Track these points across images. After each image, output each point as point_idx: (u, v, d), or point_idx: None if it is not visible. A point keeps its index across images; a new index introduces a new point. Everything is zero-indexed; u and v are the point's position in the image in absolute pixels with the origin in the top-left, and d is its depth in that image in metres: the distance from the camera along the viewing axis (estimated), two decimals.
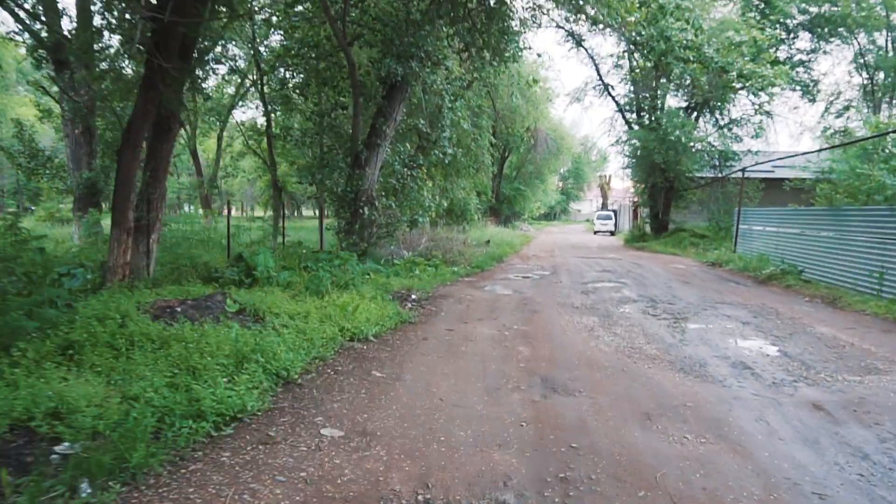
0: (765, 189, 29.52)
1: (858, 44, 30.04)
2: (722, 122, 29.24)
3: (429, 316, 10.29)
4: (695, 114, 30.12)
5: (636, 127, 30.99)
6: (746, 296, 13.60)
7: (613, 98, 33.61)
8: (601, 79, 33.60)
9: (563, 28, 31.94)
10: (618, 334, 9.25)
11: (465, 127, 20.98)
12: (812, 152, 22.94)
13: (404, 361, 7.28)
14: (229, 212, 14.18)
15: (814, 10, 29.47)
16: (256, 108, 32.13)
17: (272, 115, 18.45)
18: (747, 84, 19.12)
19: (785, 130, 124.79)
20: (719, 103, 29.14)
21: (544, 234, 51.43)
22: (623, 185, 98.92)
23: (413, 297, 11.87)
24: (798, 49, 31.17)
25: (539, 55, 42.51)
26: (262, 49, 17.57)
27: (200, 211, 38.38)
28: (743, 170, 23.02)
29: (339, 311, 8.51)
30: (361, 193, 15.23)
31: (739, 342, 8.98)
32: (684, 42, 17.21)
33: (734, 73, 18.95)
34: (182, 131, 35.57)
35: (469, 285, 14.67)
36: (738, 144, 29.39)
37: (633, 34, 17.79)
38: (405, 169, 16.52)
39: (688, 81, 22.32)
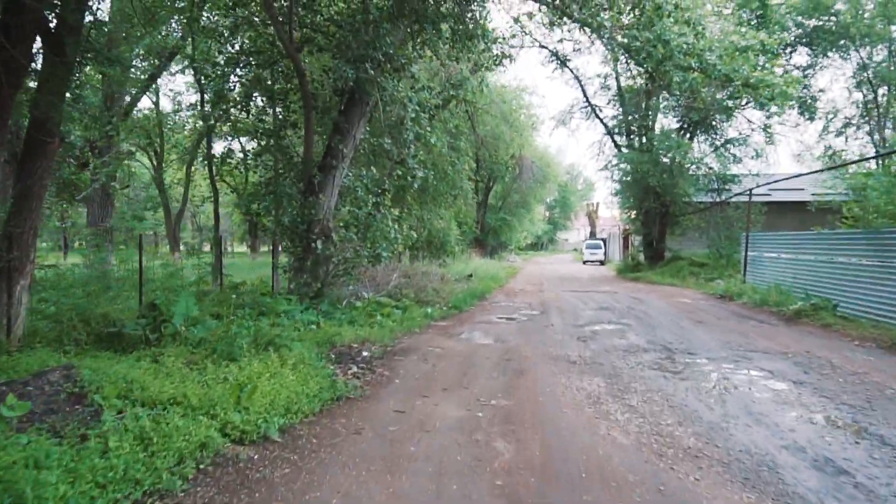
0: (766, 213, 27.16)
1: (861, 57, 27.95)
2: (718, 143, 26.94)
3: (378, 385, 7.55)
4: (688, 135, 27.84)
5: (626, 150, 28.65)
6: (780, 340, 10.97)
7: (601, 120, 31.37)
8: (588, 100, 31.40)
9: (545, 48, 29.76)
10: (635, 408, 6.57)
11: (440, 149, 18.51)
12: (825, 170, 20.60)
13: (310, 486, 4.54)
14: (141, 247, 11.50)
15: (811, 22, 27.43)
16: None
17: (212, 132, 15.84)
18: (755, 93, 16.86)
19: (785, 150, 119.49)
20: (720, 119, 26.91)
21: (532, 264, 48.90)
22: (610, 213, 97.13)
23: (364, 354, 9.14)
24: (795, 65, 29.08)
25: (521, 88, 40.19)
26: (196, 54, 15.02)
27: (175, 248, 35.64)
28: (750, 191, 20.62)
29: (230, 392, 5.74)
30: (315, 224, 12.61)
31: (805, 417, 6.32)
32: (684, 47, 14.79)
33: (739, 83, 16.61)
34: (148, 163, 33.01)
35: (442, 332, 11.99)
36: (737, 166, 27.09)
37: (627, 39, 15.43)
38: (369, 196, 13.91)
39: (685, 95, 19.93)
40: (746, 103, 22.44)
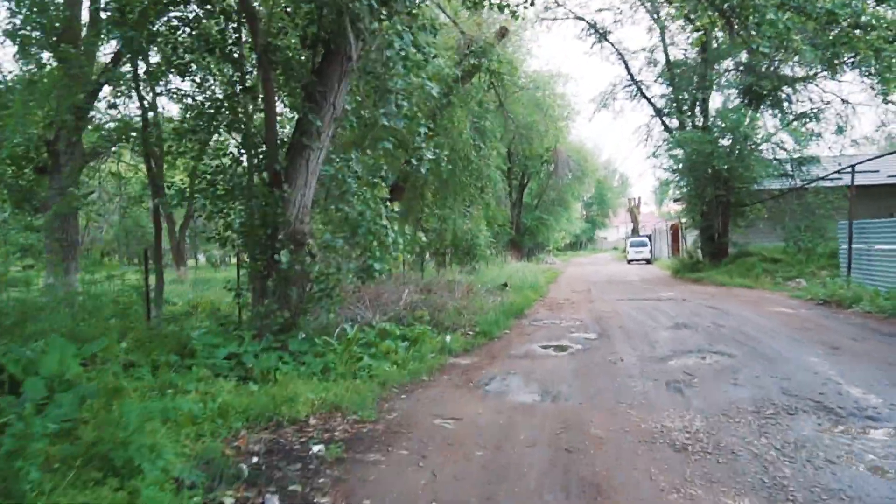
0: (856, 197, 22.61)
1: None
2: (791, 117, 22.47)
3: None
4: (750, 110, 23.40)
5: (678, 132, 24.31)
6: None
7: (648, 100, 27.13)
8: (632, 77, 27.20)
9: (582, 19, 25.69)
10: None
11: (461, 130, 14.62)
12: None
13: None
14: (146, 263, 7.93)
15: None
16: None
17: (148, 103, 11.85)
18: (864, 42, 12.66)
19: (865, 124, 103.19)
20: (790, 92, 22.50)
21: (573, 266, 44.62)
22: (649, 210, 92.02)
23: (315, 450, 5.18)
24: None
25: (555, 74, 36.02)
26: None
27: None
28: (853, 167, 16.22)
29: None
30: (282, 228, 8.79)
31: None
32: None
33: (846, 23, 12.42)
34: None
35: (461, 379, 8.04)
36: (815, 145, 22.60)
37: None
38: (364, 188, 9.98)
39: (768, 46, 15.40)
40: (853, 55, 17.89)
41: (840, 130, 22.37)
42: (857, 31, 13.03)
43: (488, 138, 15.46)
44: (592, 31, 26.09)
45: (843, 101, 23.25)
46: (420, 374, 8.17)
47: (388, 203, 9.62)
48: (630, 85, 27.23)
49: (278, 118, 10.15)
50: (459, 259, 20.03)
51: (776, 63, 22.65)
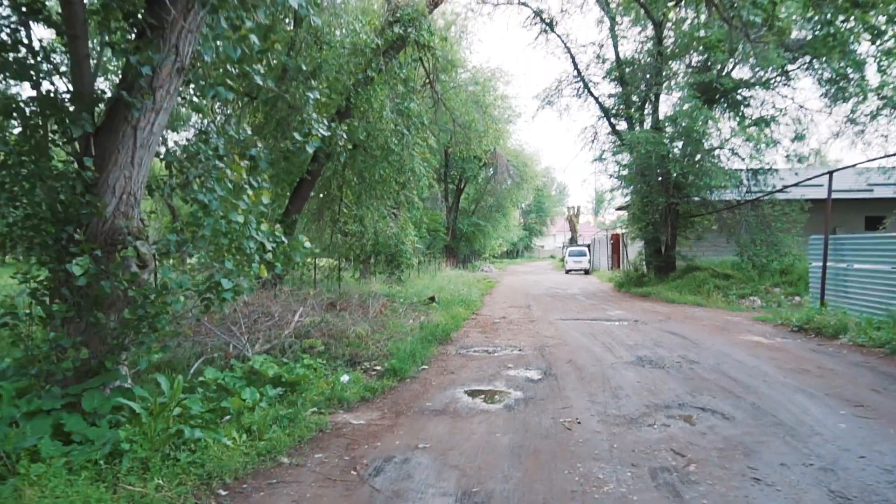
0: (811, 210, 20.84)
1: None
2: (748, 121, 20.49)
3: None
4: (706, 110, 21.33)
5: (629, 132, 22.08)
6: None
7: (596, 98, 24.84)
8: (579, 73, 24.83)
9: (526, 5, 23.25)
10: None
11: (378, 109, 11.81)
12: None
13: None
14: None
15: None
16: None
17: None
18: (864, 15, 10.52)
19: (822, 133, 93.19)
20: (748, 94, 20.56)
21: (510, 274, 42.27)
22: (586, 220, 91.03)
23: None
24: None
25: (495, 74, 33.45)
26: None
27: None
28: (830, 173, 14.10)
29: None
30: (96, 225, 5.77)
31: None
32: None
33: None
34: None
35: (337, 465, 5.17)
36: (771, 154, 20.71)
37: None
38: (224, 169, 6.97)
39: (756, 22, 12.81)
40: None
41: (800, 137, 20.53)
42: (856, 11, 10.88)
43: (414, 125, 12.73)
44: (538, 19, 23.67)
45: (801, 106, 21.49)
46: (278, 453, 5.28)
47: (252, 191, 6.63)
48: (577, 81, 24.92)
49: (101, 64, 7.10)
50: (382, 268, 17.17)
51: (733, 63, 20.70)
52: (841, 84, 20.90)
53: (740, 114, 20.64)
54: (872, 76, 21.19)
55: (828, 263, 13.47)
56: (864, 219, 27.70)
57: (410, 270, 19.61)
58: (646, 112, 22.98)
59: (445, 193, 43.85)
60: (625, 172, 22.84)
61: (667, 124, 21.14)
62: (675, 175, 20.19)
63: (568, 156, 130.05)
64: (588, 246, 48.37)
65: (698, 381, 7.92)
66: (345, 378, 7.89)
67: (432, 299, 16.47)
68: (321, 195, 16.15)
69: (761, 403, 6.77)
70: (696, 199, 21.93)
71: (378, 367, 8.68)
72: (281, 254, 6.85)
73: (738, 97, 21.52)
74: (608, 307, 18.06)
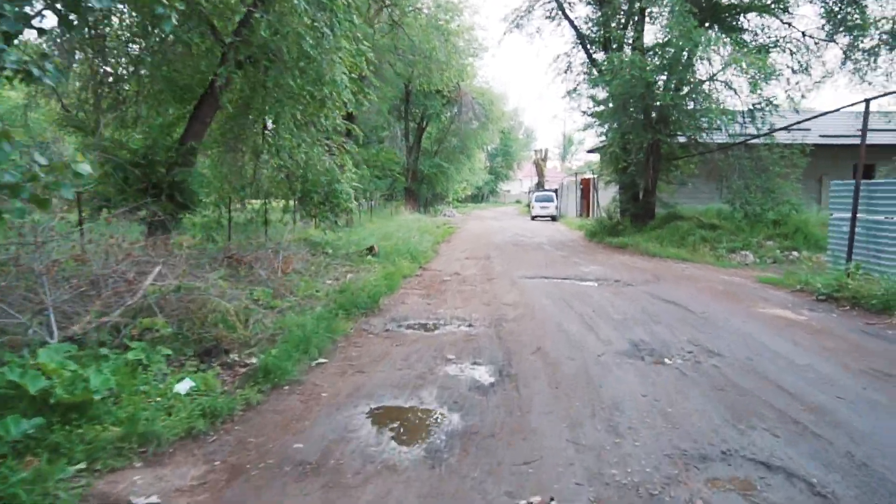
0: (813, 154, 18.13)
1: None
2: (746, 49, 17.37)
3: None
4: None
5: (611, 54, 18.82)
6: None
7: (571, 21, 21.46)
8: None
9: None
10: None
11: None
12: None
13: None
14: None
15: None
16: None
17: None
18: None
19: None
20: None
21: (473, 220, 39.25)
22: (553, 165, 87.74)
23: None
24: None
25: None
26: None
27: None
28: (867, 101, 11.15)
29: None
30: None
31: None
32: None
33: None
34: None
35: None
36: (772, 85, 17.73)
37: None
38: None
39: None
40: None
41: (804, 69, 17.62)
42: None
43: (340, 24, 9.40)
44: None
45: (804, 34, 18.49)
46: None
47: None
48: (550, 0, 21.44)
49: None
50: (309, 211, 13.95)
51: None
52: (841, 14, 18.05)
53: (737, 39, 17.52)
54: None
55: (857, 215, 10.69)
56: (852, 167, 25.16)
57: (352, 215, 16.42)
58: (627, 37, 19.68)
59: (406, 132, 40.31)
60: (600, 108, 19.77)
61: (653, 53, 17.96)
62: (661, 106, 17.16)
63: (538, 90, 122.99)
64: (555, 191, 45.44)
65: (735, 394, 5.06)
66: (182, 386, 4.88)
67: (371, 250, 13.40)
68: (239, 120, 12.78)
69: (861, 451, 3.94)
70: (683, 138, 19.02)
71: (246, 363, 5.67)
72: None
73: (733, 22, 18.44)
74: (581, 261, 15.20)
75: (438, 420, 4.55)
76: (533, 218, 40.32)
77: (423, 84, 30.79)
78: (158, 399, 4.64)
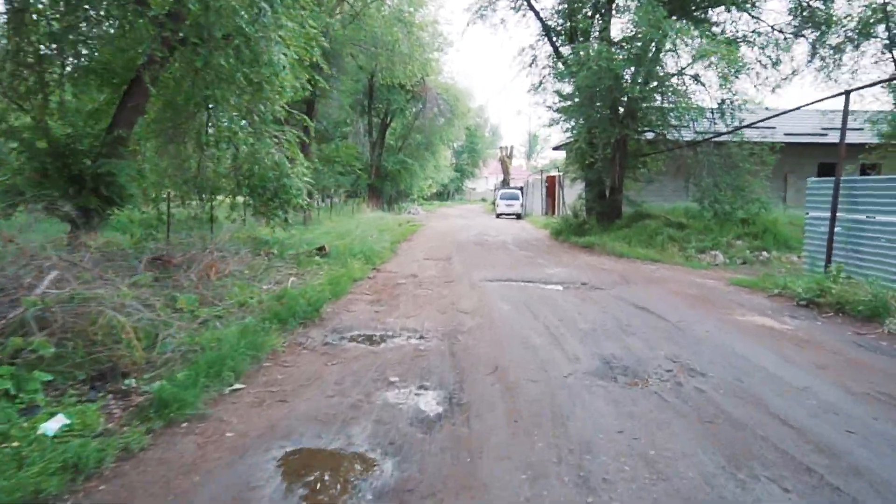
0: (782, 151, 17.62)
1: None
2: (716, 39, 16.71)
3: None
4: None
5: (578, 45, 18.01)
6: None
7: (537, 13, 20.63)
8: None
9: None
10: None
11: None
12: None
13: None
14: None
15: None
16: None
17: None
18: None
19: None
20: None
21: (438, 218, 38.26)
22: (518, 164, 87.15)
23: None
24: None
25: None
26: None
27: None
28: (847, 93, 10.44)
29: None
30: None
31: None
32: None
33: None
34: None
35: None
36: (741, 80, 17.06)
37: None
38: None
39: None
40: None
41: (775, 64, 17.05)
42: None
43: (282, 0, 8.35)
44: None
45: (773, 28, 17.94)
46: None
47: None
48: None
49: None
50: (257, 208, 12.86)
51: None
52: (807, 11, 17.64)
53: (705, 32, 16.88)
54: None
55: (837, 214, 10.04)
56: (816, 165, 24.95)
57: (310, 211, 15.33)
58: (594, 28, 18.90)
59: (369, 127, 39.16)
60: (567, 103, 19.00)
61: (621, 46, 17.20)
62: (629, 100, 16.45)
63: (502, 84, 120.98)
64: (521, 189, 44.74)
65: (728, 429, 4.21)
66: (52, 424, 3.89)
67: (321, 250, 12.39)
68: (179, 108, 11.63)
69: None
70: (650, 134, 18.36)
71: (146, 388, 4.66)
72: None
73: (702, 15, 17.82)
74: (546, 262, 14.38)
75: (367, 470, 3.61)
76: (498, 216, 39.56)
77: (387, 78, 29.78)
78: (16, 444, 3.64)
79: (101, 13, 9.76)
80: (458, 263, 13.75)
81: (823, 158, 24.37)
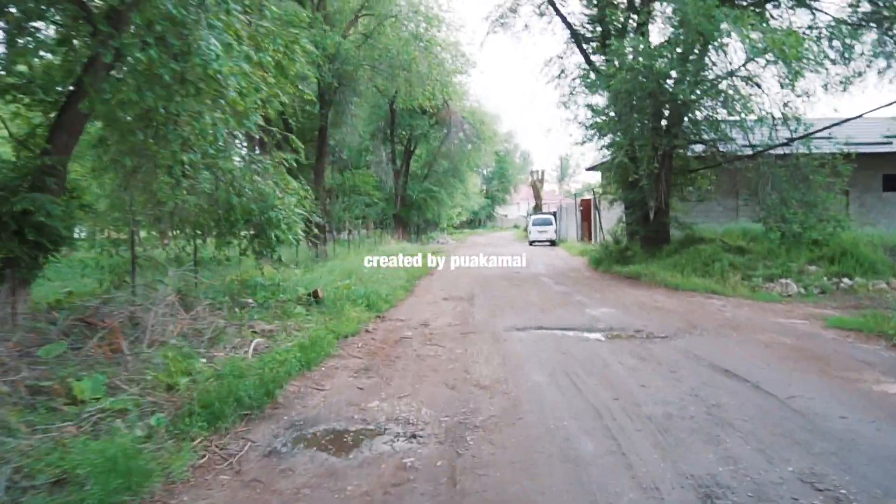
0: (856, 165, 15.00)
1: None
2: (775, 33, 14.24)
3: None
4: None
5: (616, 41, 15.78)
6: None
7: (563, 17, 18.47)
8: None
9: None
10: None
11: None
12: None
13: None
14: None
15: None
16: None
17: None
18: None
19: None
20: None
21: (466, 247, 35.97)
22: (550, 188, 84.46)
23: None
24: None
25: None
26: None
27: None
28: None
29: None
30: None
31: None
32: None
33: None
34: None
35: None
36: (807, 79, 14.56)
37: None
38: None
39: None
40: None
41: (845, 56, 14.52)
42: None
43: None
44: None
45: (836, 20, 15.41)
46: None
47: None
48: None
49: None
50: (237, 245, 10.76)
51: None
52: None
53: (763, 23, 14.43)
54: None
55: None
56: (881, 177, 22.21)
57: (326, 246, 13.14)
58: (629, 27, 16.61)
59: (392, 155, 37.23)
60: (600, 119, 16.74)
61: (664, 45, 14.86)
62: (675, 106, 14.11)
63: (528, 100, 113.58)
64: (554, 214, 42.31)
65: None
66: None
67: (314, 296, 10.19)
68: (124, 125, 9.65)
69: None
70: (702, 145, 15.96)
71: None
72: None
73: (756, 9, 15.43)
74: (587, 299, 11.99)
75: None
76: (531, 243, 37.19)
77: (407, 102, 27.88)
78: None
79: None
80: (481, 305, 11.45)
81: (889, 170, 21.72)
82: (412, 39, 23.53)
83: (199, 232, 12.03)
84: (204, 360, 5.91)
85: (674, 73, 14.17)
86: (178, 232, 12.22)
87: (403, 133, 37.47)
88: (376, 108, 34.15)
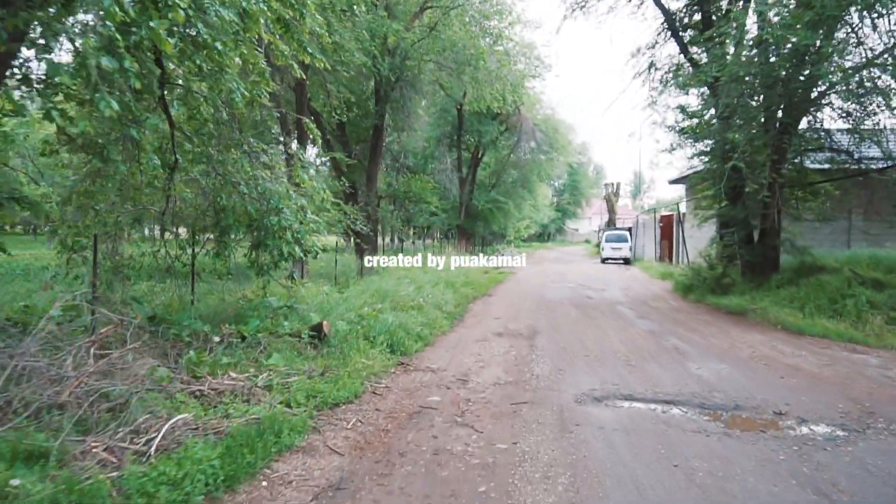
0: None
1: None
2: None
3: None
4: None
5: (704, 56, 12.69)
6: None
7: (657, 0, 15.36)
8: None
9: None
10: None
11: None
12: None
13: None
14: None
15: None
16: None
17: None
18: None
19: None
20: None
21: (533, 263, 32.92)
22: (624, 203, 79.95)
23: None
24: None
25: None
26: None
27: None
28: None
29: None
30: None
31: None
32: None
33: None
34: None
35: None
36: None
37: None
38: None
39: None
40: None
41: None
42: None
43: None
44: None
45: None
46: None
47: None
48: None
49: None
50: (251, 257, 8.30)
51: None
52: None
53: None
54: None
55: None
56: None
57: (296, 259, 10.40)
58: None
59: (458, 162, 34.56)
60: (693, 121, 13.67)
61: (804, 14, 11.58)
62: (794, 102, 10.89)
63: (609, 99, 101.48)
64: (629, 229, 38.64)
65: None
66: None
67: (318, 331, 7.54)
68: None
69: None
70: (832, 152, 12.63)
71: None
72: None
73: None
74: (687, 346, 8.93)
75: None
76: (603, 261, 33.82)
77: (475, 104, 25.13)
78: None
79: None
80: (544, 348, 8.57)
81: None
82: (480, 33, 20.95)
83: (196, 238, 9.76)
84: (25, 482, 3.25)
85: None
86: (169, 236, 10.00)
87: (471, 139, 34.78)
88: (443, 113, 31.72)
